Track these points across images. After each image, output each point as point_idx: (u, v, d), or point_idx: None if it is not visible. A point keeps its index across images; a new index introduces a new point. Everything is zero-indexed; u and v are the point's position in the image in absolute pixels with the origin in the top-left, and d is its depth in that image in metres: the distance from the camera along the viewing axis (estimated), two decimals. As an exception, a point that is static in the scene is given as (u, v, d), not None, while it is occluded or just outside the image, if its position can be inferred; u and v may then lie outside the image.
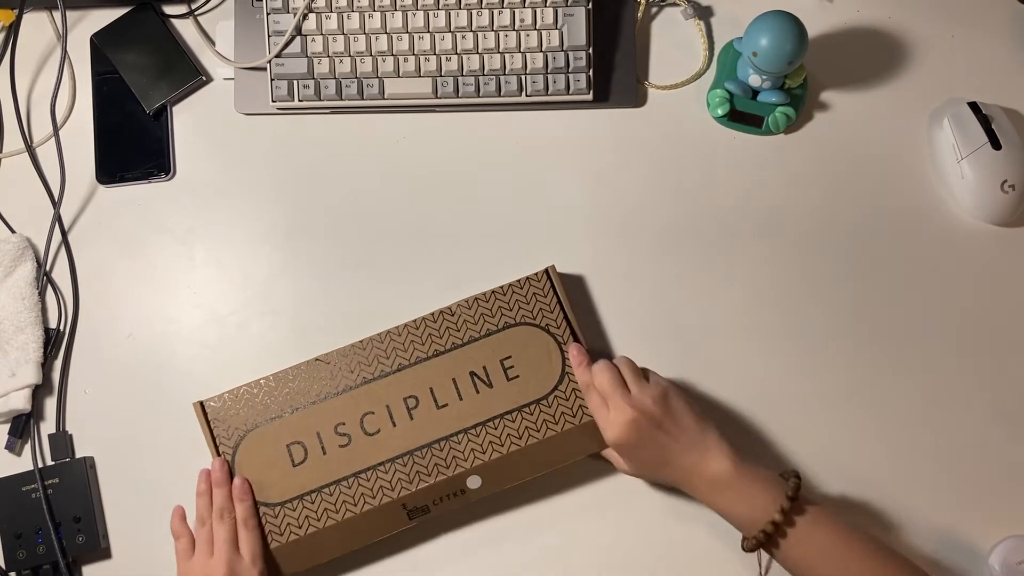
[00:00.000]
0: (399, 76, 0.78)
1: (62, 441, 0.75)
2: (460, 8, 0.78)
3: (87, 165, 0.80)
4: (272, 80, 0.79)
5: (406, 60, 0.78)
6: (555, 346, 0.72)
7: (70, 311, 0.78)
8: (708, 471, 0.66)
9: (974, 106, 0.78)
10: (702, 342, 0.77)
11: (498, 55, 0.78)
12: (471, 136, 0.80)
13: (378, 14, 0.78)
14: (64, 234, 0.79)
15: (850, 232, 0.78)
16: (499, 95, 0.78)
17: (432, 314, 0.72)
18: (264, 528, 0.70)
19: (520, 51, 0.78)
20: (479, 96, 0.78)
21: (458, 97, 0.79)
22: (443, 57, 0.78)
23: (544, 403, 0.71)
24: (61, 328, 0.78)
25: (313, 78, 0.78)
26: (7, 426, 0.76)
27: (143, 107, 0.81)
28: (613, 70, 0.80)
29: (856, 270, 0.78)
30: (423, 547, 0.74)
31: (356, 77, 0.78)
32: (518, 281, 0.73)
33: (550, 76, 0.78)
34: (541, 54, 0.78)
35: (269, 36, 0.78)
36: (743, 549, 0.66)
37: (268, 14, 0.78)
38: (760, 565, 0.66)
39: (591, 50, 0.78)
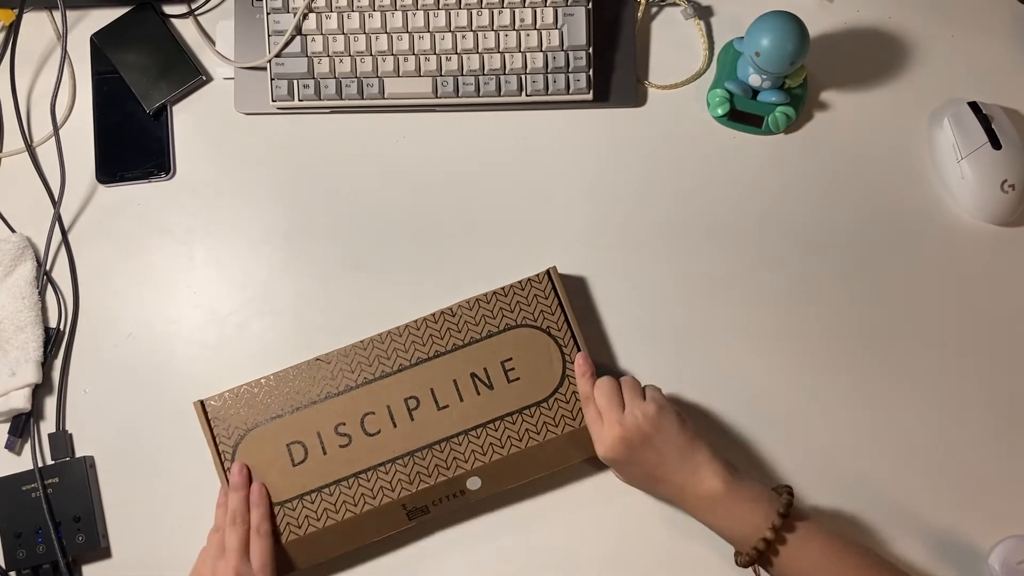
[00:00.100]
0: (399, 76, 0.78)
1: (62, 440, 0.75)
2: (460, 8, 0.78)
3: (87, 165, 0.80)
4: (272, 80, 0.79)
5: (406, 60, 0.78)
6: (556, 348, 0.72)
7: (70, 311, 0.78)
8: (699, 489, 0.66)
9: (974, 106, 0.78)
10: (701, 341, 0.77)
11: (498, 55, 0.78)
12: (471, 136, 0.80)
13: (378, 14, 0.78)
14: (64, 234, 0.79)
15: (850, 232, 0.78)
16: (499, 95, 0.78)
17: (433, 315, 0.72)
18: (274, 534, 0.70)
19: (520, 51, 0.78)
20: (479, 96, 0.78)
21: (458, 97, 0.79)
22: (443, 57, 0.78)
23: (544, 405, 0.71)
24: (61, 327, 0.78)
25: (313, 78, 0.78)
26: (7, 425, 0.76)
27: (143, 107, 0.81)
28: (613, 70, 0.80)
29: (856, 270, 0.78)
30: (417, 544, 0.74)
31: (356, 77, 0.78)
32: (519, 282, 0.73)
33: (550, 76, 0.78)
34: (541, 54, 0.78)
35: (269, 36, 0.78)
36: (737, 564, 0.66)
37: (268, 14, 0.78)
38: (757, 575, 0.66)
39: (591, 50, 0.78)
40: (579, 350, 0.72)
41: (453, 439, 0.71)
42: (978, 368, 0.76)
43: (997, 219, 0.78)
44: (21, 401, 0.75)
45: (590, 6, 0.78)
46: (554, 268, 0.73)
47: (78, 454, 0.76)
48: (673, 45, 0.82)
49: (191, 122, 0.81)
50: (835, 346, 0.76)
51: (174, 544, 0.74)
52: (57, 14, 0.81)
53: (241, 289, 0.78)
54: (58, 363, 0.77)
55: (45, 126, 0.81)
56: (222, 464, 0.71)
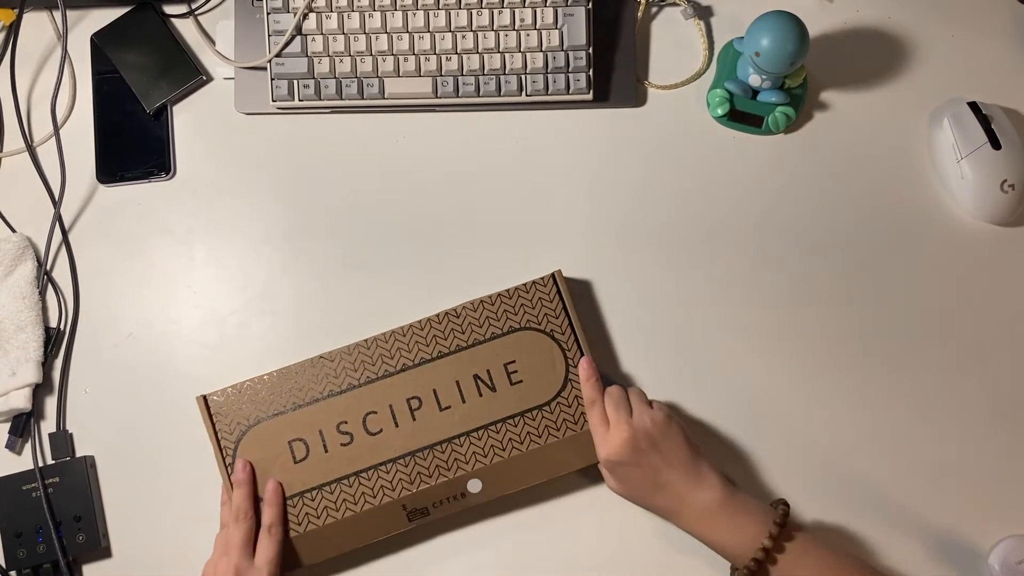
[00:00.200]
0: (399, 76, 0.78)
1: (62, 440, 0.75)
2: (460, 8, 0.78)
3: (87, 165, 0.80)
4: (272, 80, 0.79)
5: (406, 60, 0.78)
6: (559, 352, 0.72)
7: (70, 310, 0.78)
8: (699, 499, 0.66)
9: (974, 106, 0.78)
10: (702, 341, 0.77)
11: (498, 55, 0.78)
12: (471, 136, 0.80)
13: (378, 14, 0.78)
14: (64, 234, 0.79)
15: (850, 232, 0.78)
16: (499, 95, 0.78)
17: (437, 315, 0.72)
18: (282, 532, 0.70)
19: (520, 51, 0.78)
20: (479, 96, 0.78)
21: (458, 97, 0.79)
22: (443, 57, 0.78)
23: (547, 409, 0.71)
24: (61, 327, 0.78)
25: (313, 78, 0.78)
26: (7, 425, 0.76)
27: (143, 107, 0.81)
28: (613, 70, 0.80)
29: (856, 270, 0.78)
30: (416, 548, 0.74)
31: (356, 77, 0.78)
32: (524, 285, 0.73)
33: (550, 76, 0.78)
34: (541, 54, 0.78)
35: (269, 36, 0.78)
36: None
37: (268, 14, 0.78)
38: None
39: (591, 50, 0.78)
40: (583, 354, 0.72)
41: (454, 440, 0.71)
42: (978, 368, 0.76)
43: (997, 219, 0.78)
44: (21, 401, 0.75)
45: (590, 6, 0.78)
46: (559, 271, 0.73)
47: (78, 454, 0.76)
48: (673, 45, 0.82)
49: (191, 122, 0.82)
50: (835, 346, 0.76)
51: (174, 544, 0.74)
52: (57, 14, 0.81)
53: (241, 289, 0.79)
54: (58, 363, 0.77)
55: (45, 126, 0.81)
56: (223, 460, 0.71)
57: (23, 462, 0.76)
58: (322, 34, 0.78)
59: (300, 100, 0.79)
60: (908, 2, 0.83)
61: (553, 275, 0.73)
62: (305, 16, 0.78)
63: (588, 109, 0.81)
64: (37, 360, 0.76)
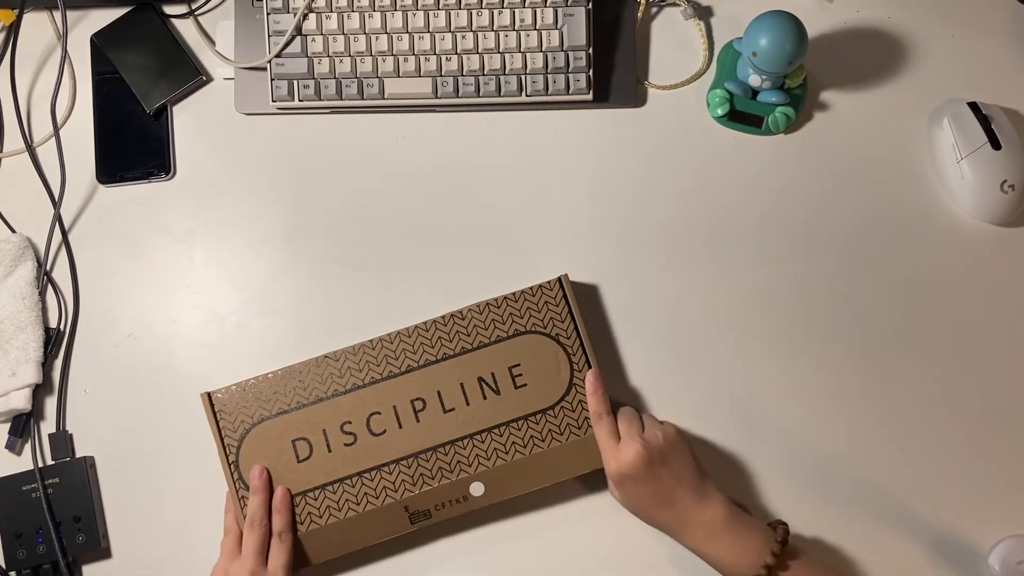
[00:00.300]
0: (399, 76, 0.78)
1: (62, 441, 0.75)
2: (460, 8, 0.78)
3: (87, 165, 0.80)
4: (272, 80, 0.79)
5: (406, 60, 0.78)
6: (564, 357, 0.72)
7: (70, 311, 0.78)
8: (704, 515, 0.67)
9: (974, 106, 0.78)
10: (702, 342, 0.77)
11: (498, 55, 0.78)
12: (471, 136, 0.80)
13: (378, 14, 0.78)
14: (64, 234, 0.79)
15: (850, 232, 0.78)
16: (499, 95, 0.78)
17: (443, 317, 0.72)
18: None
19: (520, 51, 0.78)
20: (479, 96, 0.78)
21: (458, 97, 0.79)
22: (443, 57, 0.78)
23: (550, 413, 0.71)
24: (61, 328, 0.78)
25: (313, 78, 0.78)
26: (7, 425, 0.76)
27: (143, 107, 0.81)
28: (613, 70, 0.80)
29: (856, 270, 0.78)
30: (417, 551, 0.74)
31: (356, 77, 0.78)
32: (530, 288, 0.72)
33: (550, 76, 0.78)
34: (541, 54, 0.78)
35: (269, 36, 0.78)
36: None
37: (268, 14, 0.78)
38: None
39: (591, 50, 0.78)
40: (588, 360, 0.71)
41: (458, 442, 0.71)
42: (978, 368, 0.76)
43: (997, 219, 0.78)
44: (21, 401, 0.75)
45: (590, 6, 0.78)
46: (566, 276, 0.73)
47: (78, 454, 0.76)
48: (673, 45, 0.82)
49: (191, 122, 0.82)
50: (834, 345, 0.76)
51: (174, 544, 0.74)
52: (57, 14, 0.81)
53: (241, 289, 0.79)
54: (58, 363, 0.77)
55: (45, 126, 0.81)
56: (227, 457, 0.70)
57: (23, 462, 0.76)
58: (322, 34, 0.78)
59: (300, 100, 0.79)
60: (908, 2, 0.83)
61: (560, 279, 0.73)
62: (305, 16, 0.78)
63: (588, 109, 0.81)
64: (37, 360, 0.76)
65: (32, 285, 0.78)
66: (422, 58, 0.78)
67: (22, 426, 0.76)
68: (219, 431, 0.71)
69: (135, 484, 0.75)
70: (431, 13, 0.77)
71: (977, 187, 0.76)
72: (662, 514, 0.68)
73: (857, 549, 0.73)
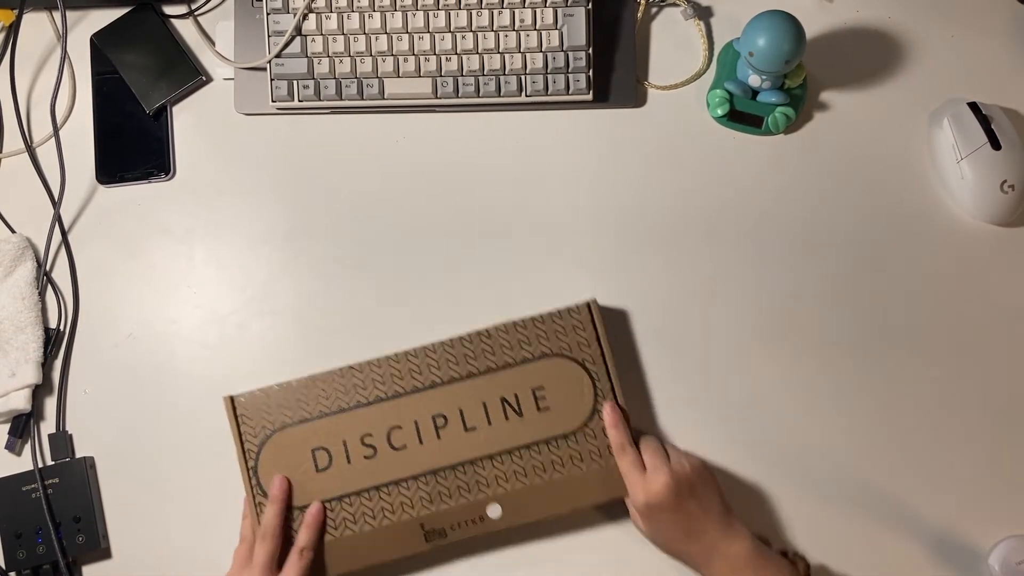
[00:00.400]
0: (399, 76, 0.78)
1: (62, 441, 0.75)
2: (460, 8, 0.78)
3: (87, 165, 0.80)
4: (272, 80, 0.79)
5: (406, 60, 0.78)
6: (589, 382, 0.71)
7: (70, 311, 0.78)
8: (730, 549, 0.66)
9: (974, 106, 0.78)
10: (702, 343, 0.76)
11: (498, 55, 0.78)
12: (471, 136, 0.80)
13: (378, 14, 0.78)
14: (64, 234, 0.79)
15: (850, 232, 0.78)
16: (499, 95, 0.78)
17: (469, 335, 0.71)
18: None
19: (520, 51, 0.78)
20: (479, 96, 0.78)
21: (458, 97, 0.79)
22: (443, 57, 0.78)
23: (572, 439, 0.70)
24: (61, 328, 0.78)
25: (313, 78, 0.78)
26: (7, 426, 0.76)
27: (143, 107, 0.81)
28: (613, 70, 0.80)
29: (856, 270, 0.78)
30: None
31: (356, 77, 0.78)
32: (558, 311, 0.72)
33: (550, 76, 0.78)
34: (541, 54, 0.78)
35: (269, 36, 0.78)
36: None
37: (268, 14, 0.78)
38: None
39: (591, 50, 0.78)
40: (612, 387, 0.70)
41: (477, 462, 0.70)
42: (978, 368, 0.76)
43: (997, 219, 0.78)
44: (21, 402, 0.75)
45: (590, 6, 0.78)
46: (594, 301, 0.72)
47: (78, 454, 0.76)
48: (673, 45, 0.82)
49: (191, 122, 0.82)
50: (835, 346, 0.76)
51: (174, 544, 0.74)
52: (57, 14, 0.81)
53: (241, 289, 0.79)
54: (58, 363, 0.77)
55: (45, 126, 0.81)
56: (246, 462, 0.70)
57: (23, 463, 0.76)
58: (322, 35, 0.78)
59: (300, 101, 0.79)
60: (908, 2, 0.83)
61: (588, 304, 0.72)
62: (305, 17, 0.78)
63: (588, 109, 0.81)
64: (37, 361, 0.76)
65: (32, 285, 0.78)
66: (422, 58, 0.78)
67: (22, 426, 0.76)
68: (240, 435, 0.70)
69: (135, 484, 0.75)
70: (431, 13, 0.77)
71: (977, 187, 0.76)
72: (687, 546, 0.67)
73: (857, 549, 0.73)
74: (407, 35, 0.78)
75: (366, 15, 0.78)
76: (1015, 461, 0.75)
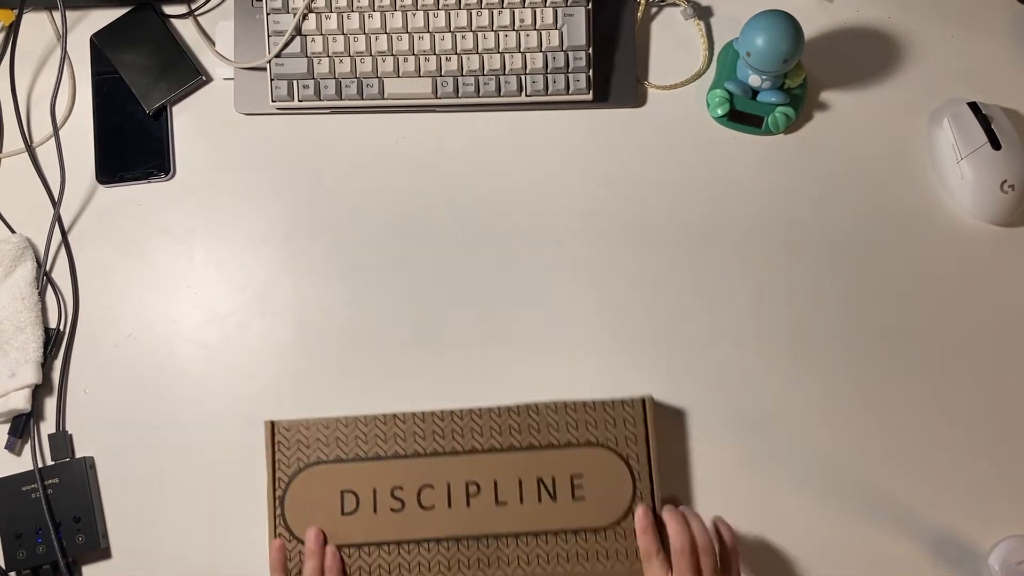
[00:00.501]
0: (399, 76, 0.78)
1: (62, 441, 0.75)
2: (460, 8, 0.78)
3: (87, 165, 0.80)
4: (272, 80, 0.79)
5: (406, 60, 0.78)
6: (629, 480, 0.69)
7: (70, 311, 0.78)
8: None
9: (974, 106, 0.78)
10: (709, 343, 0.76)
11: (498, 55, 0.78)
12: (470, 136, 0.80)
13: (378, 14, 0.78)
14: (64, 234, 0.79)
15: (850, 232, 0.78)
16: (499, 95, 0.78)
17: (517, 407, 0.71)
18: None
19: (520, 51, 0.78)
20: (479, 96, 0.78)
21: (458, 97, 0.79)
22: (443, 57, 0.78)
23: (602, 535, 0.69)
24: (61, 328, 0.78)
25: (313, 78, 0.78)
26: (7, 426, 0.76)
27: (143, 107, 0.81)
28: (613, 70, 0.80)
29: (856, 270, 0.78)
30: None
31: (356, 77, 0.78)
32: (611, 401, 0.71)
33: (550, 76, 0.78)
34: (541, 54, 0.78)
35: (269, 36, 0.78)
36: None
37: (268, 14, 0.78)
38: None
39: (591, 50, 0.78)
40: (652, 491, 0.69)
41: (502, 538, 0.69)
42: (978, 368, 0.76)
43: (997, 219, 0.78)
44: (21, 402, 0.75)
45: (590, 6, 0.78)
46: (650, 397, 0.71)
47: (78, 454, 0.76)
48: (673, 45, 0.82)
49: (191, 122, 0.82)
50: (834, 346, 0.76)
51: (174, 544, 0.74)
52: (57, 14, 0.80)
53: (241, 289, 0.78)
54: (58, 363, 0.77)
55: (45, 126, 0.81)
56: (274, 490, 0.70)
57: (23, 463, 0.76)
58: (322, 34, 0.78)
59: (300, 100, 0.79)
60: (908, 2, 0.83)
61: (644, 400, 0.71)
62: (305, 16, 0.78)
63: (588, 109, 0.81)
64: (36, 361, 0.76)
65: (32, 285, 0.78)
66: (422, 58, 0.78)
67: (22, 426, 0.76)
68: (274, 462, 0.70)
69: (135, 484, 0.75)
70: (431, 13, 0.77)
71: (977, 187, 0.76)
72: None
73: (857, 549, 0.73)
74: (407, 35, 0.78)
75: (366, 15, 0.78)
76: (1015, 461, 0.75)
